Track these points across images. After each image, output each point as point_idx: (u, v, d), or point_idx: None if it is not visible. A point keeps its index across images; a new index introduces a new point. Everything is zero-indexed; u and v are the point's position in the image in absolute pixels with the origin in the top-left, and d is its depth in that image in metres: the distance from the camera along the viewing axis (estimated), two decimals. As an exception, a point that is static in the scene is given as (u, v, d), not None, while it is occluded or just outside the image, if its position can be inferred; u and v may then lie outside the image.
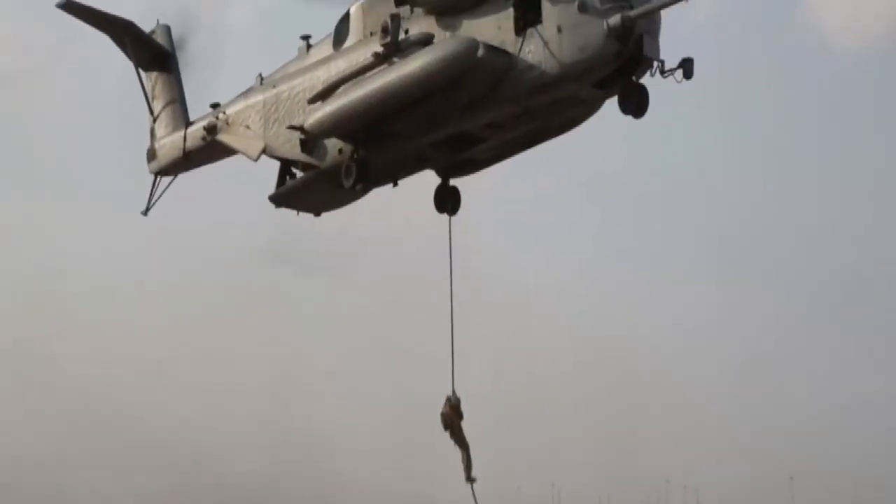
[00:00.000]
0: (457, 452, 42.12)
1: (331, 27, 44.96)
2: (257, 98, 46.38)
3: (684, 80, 37.87)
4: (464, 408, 42.69)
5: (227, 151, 48.76)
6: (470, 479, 41.82)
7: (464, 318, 44.64)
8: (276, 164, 47.14)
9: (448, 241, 44.74)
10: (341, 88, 41.58)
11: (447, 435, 42.13)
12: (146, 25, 53.53)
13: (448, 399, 42.22)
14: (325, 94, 42.14)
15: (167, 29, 53.72)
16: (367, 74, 40.73)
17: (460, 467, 41.77)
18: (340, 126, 41.33)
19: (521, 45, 38.03)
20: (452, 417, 41.99)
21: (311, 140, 43.24)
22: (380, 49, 40.34)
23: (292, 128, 43.44)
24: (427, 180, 45.86)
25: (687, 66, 37.81)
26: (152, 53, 52.99)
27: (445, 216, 45.28)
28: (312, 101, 42.71)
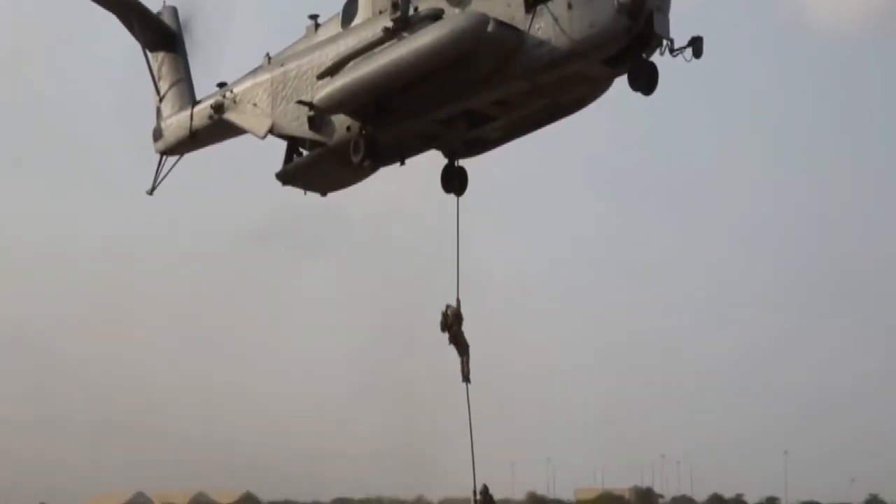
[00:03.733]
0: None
1: (337, 7, 45.05)
2: (265, 76, 46.33)
3: (693, 59, 38.02)
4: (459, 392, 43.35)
5: (234, 130, 48.71)
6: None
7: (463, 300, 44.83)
8: (282, 145, 47.25)
9: (456, 223, 44.97)
10: (351, 63, 41.54)
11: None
12: (153, 6, 53.68)
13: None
14: (334, 69, 42.11)
15: (174, 10, 53.81)
16: (377, 49, 40.71)
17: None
18: (350, 101, 41.29)
19: (531, 21, 38.02)
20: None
21: (319, 116, 43.21)
22: (389, 24, 40.32)
23: (301, 103, 43.43)
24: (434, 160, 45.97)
25: (697, 45, 37.87)
26: (159, 34, 52.99)
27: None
28: (322, 76, 42.67)
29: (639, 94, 38.16)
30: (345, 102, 41.46)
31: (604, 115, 42.25)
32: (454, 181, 45.48)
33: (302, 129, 44.28)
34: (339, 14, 44.66)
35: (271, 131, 45.92)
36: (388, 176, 46.10)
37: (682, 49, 37.87)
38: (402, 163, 44.98)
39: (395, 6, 40.08)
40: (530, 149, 45.04)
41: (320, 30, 45.37)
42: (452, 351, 44.43)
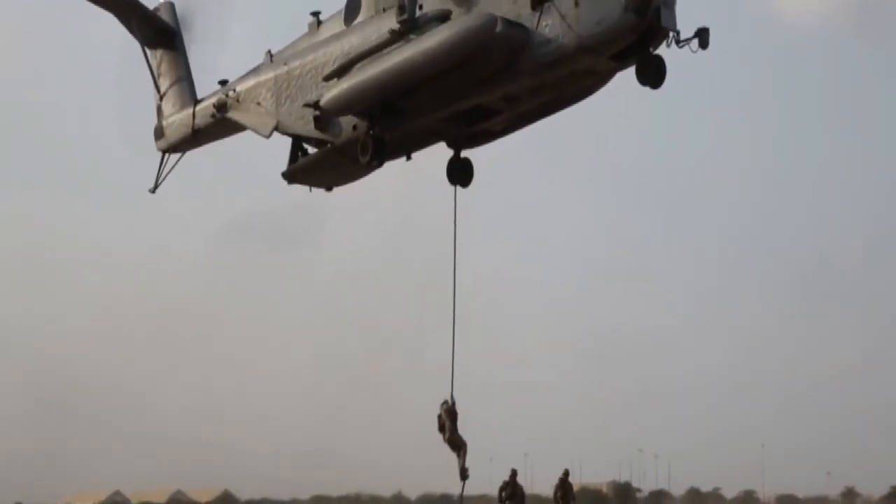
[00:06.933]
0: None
1: (338, 2, 44.96)
2: (268, 75, 46.19)
3: (700, 50, 38.09)
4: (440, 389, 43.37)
5: (237, 128, 48.69)
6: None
7: (444, 295, 45.12)
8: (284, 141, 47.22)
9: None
10: (358, 65, 41.53)
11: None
12: (149, 2, 53.40)
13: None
14: (341, 71, 42.06)
15: (171, 6, 53.54)
16: (384, 51, 40.68)
17: None
18: (357, 103, 41.29)
19: (538, 19, 38.01)
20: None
21: (325, 116, 43.17)
22: (396, 26, 40.28)
23: (307, 105, 43.37)
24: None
25: (703, 36, 37.86)
26: (157, 31, 52.73)
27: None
28: (328, 78, 42.64)
29: (626, 89, 38.52)
30: (352, 104, 41.44)
31: (593, 109, 42.45)
32: (459, 173, 45.60)
33: (308, 128, 44.21)
34: (341, 11, 44.59)
35: (276, 130, 45.90)
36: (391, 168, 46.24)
37: (688, 40, 37.82)
38: (409, 157, 45.23)
39: (401, 8, 40.03)
40: (519, 143, 45.23)
41: (322, 27, 45.25)
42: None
